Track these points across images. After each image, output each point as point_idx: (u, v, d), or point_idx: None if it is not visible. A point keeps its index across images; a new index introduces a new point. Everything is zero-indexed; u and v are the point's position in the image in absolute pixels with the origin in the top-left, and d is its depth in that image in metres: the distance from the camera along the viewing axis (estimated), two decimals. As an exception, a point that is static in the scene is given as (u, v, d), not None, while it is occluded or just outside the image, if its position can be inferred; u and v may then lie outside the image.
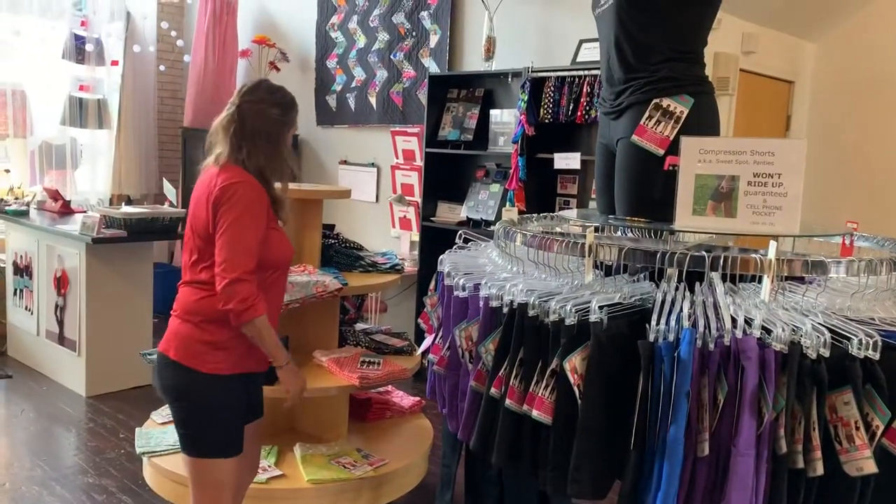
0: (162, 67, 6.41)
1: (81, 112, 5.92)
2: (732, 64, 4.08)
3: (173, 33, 6.34)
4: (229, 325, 1.95)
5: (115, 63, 6.06)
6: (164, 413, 3.22)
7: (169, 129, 6.57)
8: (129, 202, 5.78)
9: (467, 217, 4.66)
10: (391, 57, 5.31)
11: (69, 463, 3.44)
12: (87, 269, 4.19)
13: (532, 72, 4.16)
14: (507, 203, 4.18)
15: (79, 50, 5.86)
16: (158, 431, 3.02)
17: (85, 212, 4.72)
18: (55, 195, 5.07)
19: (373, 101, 5.46)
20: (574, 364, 1.52)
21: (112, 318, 4.31)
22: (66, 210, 4.97)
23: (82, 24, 5.88)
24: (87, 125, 5.99)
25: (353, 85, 5.58)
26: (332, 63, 5.75)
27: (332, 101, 5.75)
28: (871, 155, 4.64)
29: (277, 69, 5.87)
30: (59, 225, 4.47)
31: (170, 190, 4.70)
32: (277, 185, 2.10)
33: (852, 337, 1.43)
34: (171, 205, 4.75)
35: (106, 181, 6.15)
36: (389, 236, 5.30)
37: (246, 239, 1.90)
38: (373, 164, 5.45)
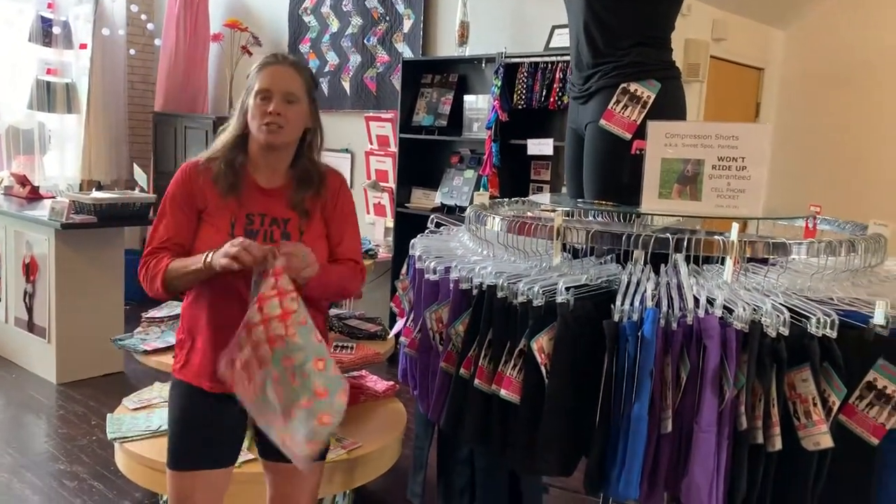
0: (132, 51, 6.32)
1: (49, 96, 5.83)
2: (703, 51, 4.13)
3: (143, 16, 6.25)
4: (183, 323, 1.86)
5: (83, 46, 5.96)
6: (135, 399, 3.21)
7: (139, 113, 6.49)
8: (100, 188, 5.70)
9: (442, 203, 4.67)
10: (365, 41, 5.29)
11: (40, 450, 3.41)
12: (56, 255, 4.14)
13: (505, 57, 4.17)
14: (482, 189, 4.20)
15: (46, 33, 5.76)
16: (130, 417, 3.00)
17: (54, 197, 4.65)
18: (23, 180, 5.00)
19: (346, 86, 5.44)
20: (541, 344, 1.54)
21: (82, 304, 4.27)
22: (35, 196, 4.90)
23: (49, 6, 5.78)
24: (56, 109, 5.89)
25: (327, 70, 5.55)
26: (305, 47, 5.71)
27: (305, 86, 5.71)
28: (839, 141, 4.73)
29: (250, 53, 5.83)
30: (28, 211, 4.41)
31: (140, 175, 4.65)
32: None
33: (811, 316, 1.47)
34: (142, 190, 4.70)
35: (75, 166, 6.07)
36: (364, 222, 5.29)
37: (155, 223, 1.83)
38: (347, 150, 5.43)
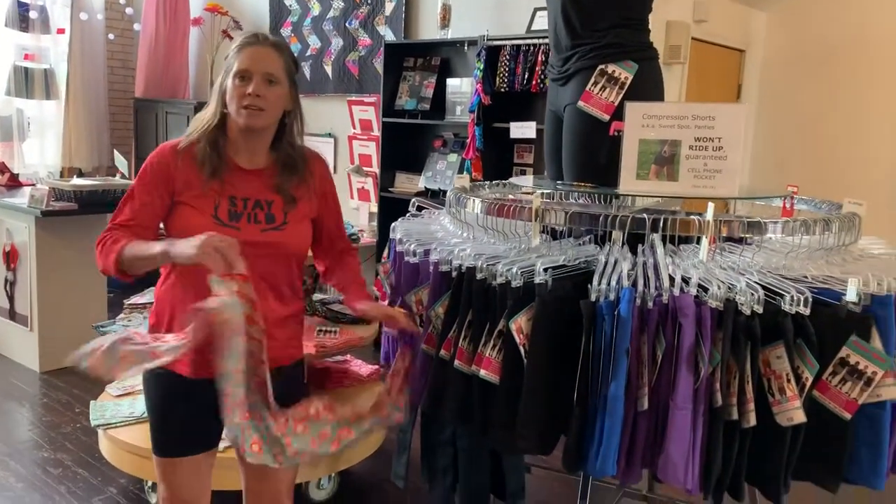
0: (111, 36, 6.24)
1: (27, 82, 5.75)
2: (684, 32, 4.13)
3: (122, 1, 6.17)
4: (156, 307, 1.82)
5: (61, 31, 5.88)
6: (119, 386, 3.20)
7: (120, 99, 6.42)
8: (80, 175, 5.66)
9: (426, 187, 4.67)
10: (346, 25, 5.26)
11: (23, 438, 3.40)
12: (36, 243, 4.10)
13: (488, 40, 4.16)
14: (465, 172, 4.20)
15: (23, 18, 5.68)
16: (113, 404, 3.00)
17: (34, 185, 4.61)
18: (2, 168, 4.94)
19: (328, 70, 5.40)
20: (520, 324, 1.56)
21: (64, 292, 4.24)
22: (14, 183, 4.85)
23: (26, -10, 5.70)
24: (34, 96, 5.82)
25: (309, 53, 5.52)
26: (286, 31, 5.66)
27: (287, 70, 5.67)
28: (820, 122, 4.76)
29: (230, 38, 5.77)
30: (7, 198, 4.36)
31: (121, 162, 4.62)
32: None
33: (785, 294, 1.49)
34: (123, 177, 4.67)
35: (56, 153, 6.01)
36: (348, 207, 5.28)
37: (123, 199, 1.78)
38: (329, 135, 5.41)
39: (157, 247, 1.64)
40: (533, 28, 4.13)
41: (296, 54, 5.81)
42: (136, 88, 6.25)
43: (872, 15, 4.53)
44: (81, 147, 6.03)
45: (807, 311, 1.48)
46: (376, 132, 5.01)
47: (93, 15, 6.00)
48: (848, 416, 1.53)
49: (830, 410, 1.54)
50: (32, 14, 5.71)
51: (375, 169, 5.01)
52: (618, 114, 1.96)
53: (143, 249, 1.66)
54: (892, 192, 4.52)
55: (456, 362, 1.67)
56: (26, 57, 5.75)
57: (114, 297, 4.69)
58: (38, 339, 4.19)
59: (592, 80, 2.00)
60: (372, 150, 5.12)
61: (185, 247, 1.57)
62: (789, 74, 4.86)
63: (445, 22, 4.53)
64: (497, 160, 4.31)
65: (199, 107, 5.49)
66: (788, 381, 1.49)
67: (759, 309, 1.47)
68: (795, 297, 1.48)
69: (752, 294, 1.47)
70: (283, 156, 1.80)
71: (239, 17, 5.82)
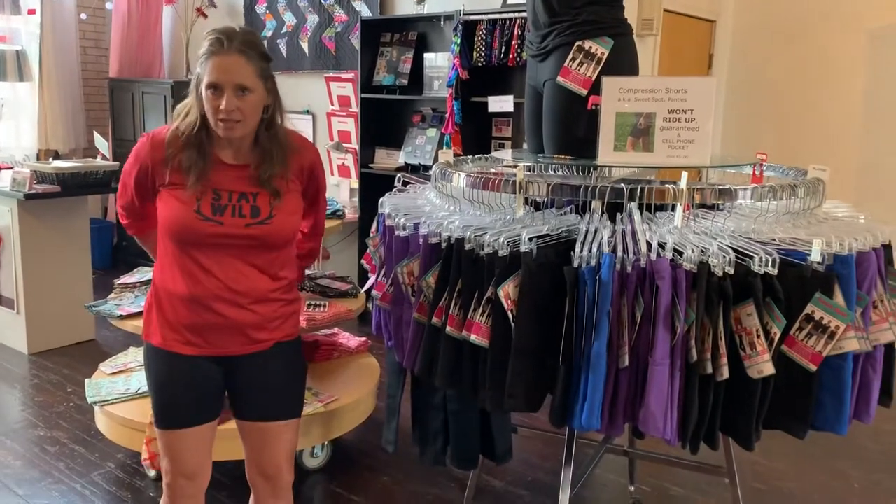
0: (83, 16, 6.18)
1: None
2: (656, 4, 4.21)
3: (93, -21, 6.10)
4: (153, 288, 1.88)
5: (31, 12, 5.80)
6: (112, 364, 3.27)
7: (94, 80, 6.36)
8: (57, 157, 5.63)
9: (405, 162, 4.73)
10: (322, 1, 5.26)
11: (17, 418, 3.46)
12: (20, 226, 4.12)
13: (464, 15, 4.20)
14: (445, 147, 4.27)
15: (-8, -1, 5.60)
16: (108, 381, 3.07)
17: (11, 168, 4.59)
18: (-22, 152, 4.91)
19: (305, 46, 5.41)
20: (507, 291, 1.65)
21: (50, 274, 4.27)
22: (-9, 167, 4.83)
23: (-6, -30, 5.61)
24: (7, 77, 5.74)
25: (284, 30, 5.51)
26: (261, 8, 5.65)
27: (263, 47, 5.66)
28: (788, 91, 4.88)
29: (205, 16, 5.75)
30: (-14, 182, 4.35)
31: (102, 143, 4.61)
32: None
33: (754, 256, 1.60)
34: (104, 158, 4.67)
35: (31, 136, 5.96)
36: (329, 184, 5.31)
37: (124, 179, 1.92)
38: (308, 112, 5.43)
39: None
40: (509, 2, 4.18)
41: (271, 31, 5.81)
42: (111, 68, 6.20)
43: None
44: (57, 129, 5.98)
45: (775, 272, 1.59)
46: (355, 108, 5.04)
47: (63, -6, 5.93)
48: (813, 367, 1.65)
49: (798, 363, 1.66)
50: (2, -5, 5.63)
51: (355, 145, 5.05)
52: (595, 88, 2.04)
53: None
54: (857, 157, 4.67)
55: (447, 329, 1.76)
56: (-3, 38, 5.68)
57: (97, 278, 4.72)
58: (25, 322, 4.23)
59: (570, 56, 2.08)
60: (351, 126, 5.16)
61: None
62: (759, 44, 4.97)
63: (421, -3, 4.56)
64: (476, 134, 4.38)
65: (176, 86, 5.50)
66: (758, 336, 1.60)
67: (731, 270, 1.58)
68: (764, 259, 1.58)
69: (724, 256, 1.57)
70: (266, 150, 1.80)
71: (213, -6, 5.78)
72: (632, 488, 2.88)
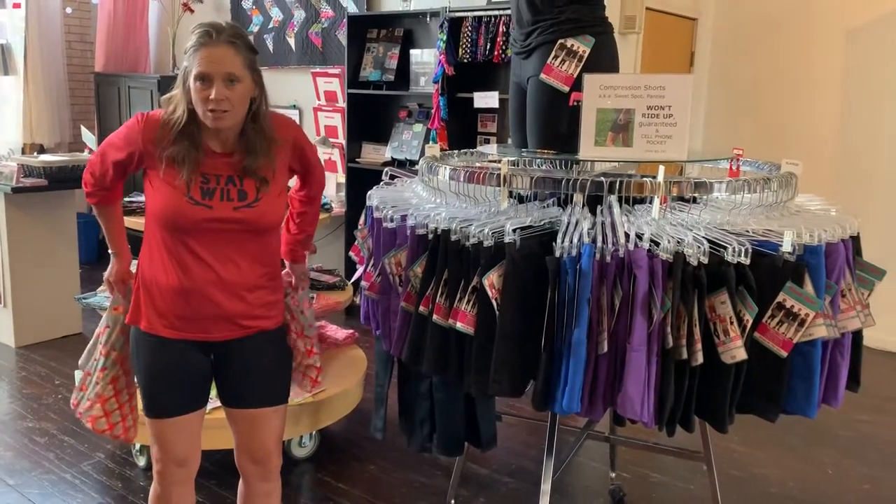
0: (68, 10, 6.17)
1: (-17, 58, 5.68)
2: (639, 3, 4.28)
3: (77, -27, 6.10)
4: (139, 274, 1.91)
5: (16, 6, 5.79)
6: (101, 356, 3.29)
7: (79, 74, 6.36)
8: (43, 151, 5.63)
9: (392, 157, 4.78)
10: (308, -3, 5.29)
11: (5, 410, 3.48)
12: (7, 219, 4.13)
13: (450, 11, 4.26)
14: (432, 142, 4.32)
15: (-24, -8, 5.58)
16: (98, 373, 3.09)
17: (-2, 161, 4.60)
18: (-36, 145, 4.91)
19: (291, 42, 5.44)
20: (492, 280, 1.71)
21: (37, 268, 4.29)
22: (-24, 161, 4.82)
23: (-22, -36, 5.60)
24: (-9, 71, 5.75)
25: (271, 26, 5.54)
26: (247, 3, 5.67)
27: (249, 42, 5.69)
28: (768, 87, 4.97)
29: (191, 11, 5.76)
30: (-28, 176, 4.36)
31: (89, 137, 4.63)
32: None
33: (727, 246, 1.67)
34: (91, 152, 4.68)
35: (16, 130, 5.95)
36: (315, 178, 5.36)
37: (102, 149, 1.93)
38: (294, 107, 5.46)
39: (111, 248, 2.08)
40: (493, 0, 4.24)
41: (258, 27, 5.84)
42: (96, 63, 6.20)
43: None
44: (42, 123, 5.98)
45: (747, 261, 1.66)
46: (341, 103, 5.08)
47: (48, -12, 5.93)
48: (784, 353, 1.72)
49: (770, 350, 1.73)
50: (-14, -12, 5.62)
51: (342, 140, 5.10)
52: (577, 85, 2.10)
53: (106, 231, 2.08)
54: (834, 151, 4.77)
55: (434, 317, 1.82)
56: (-19, 32, 5.67)
57: (83, 272, 4.74)
58: (12, 315, 4.24)
59: (553, 53, 2.14)
60: (337, 121, 5.20)
61: (108, 274, 2.05)
62: (740, 41, 5.05)
63: (407, -7, 4.61)
64: (461, 129, 4.43)
65: (163, 81, 5.51)
66: (731, 323, 1.67)
67: (705, 260, 1.65)
68: (737, 249, 1.65)
69: (698, 247, 1.64)
70: (251, 142, 1.83)
71: (199, -11, 5.80)
72: (612, 475, 2.96)
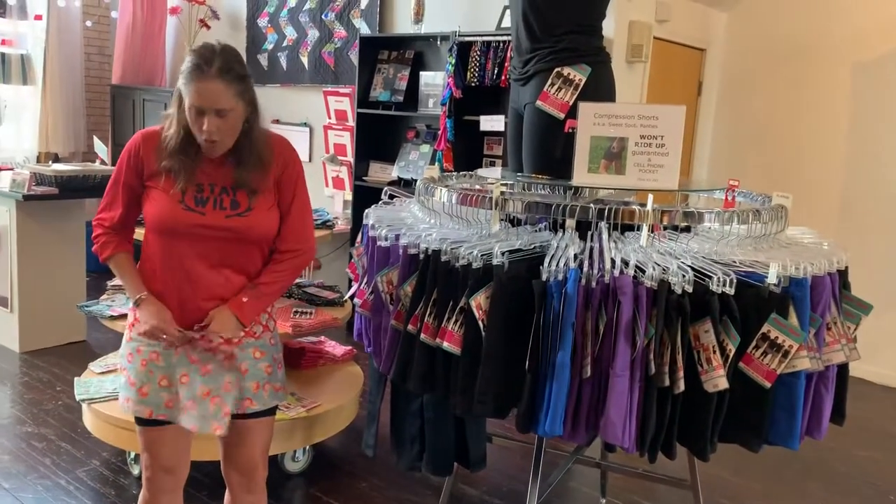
0: (88, 23, 6.30)
1: (4, 68, 5.80)
2: (646, 32, 4.33)
3: (99, -12, 6.23)
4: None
5: (38, 17, 5.92)
6: (102, 363, 3.34)
7: (96, 86, 6.48)
8: (57, 160, 5.73)
9: (398, 177, 4.83)
10: (322, 17, 5.38)
11: (6, 414, 3.52)
12: (17, 226, 4.20)
13: (459, 36, 4.32)
14: (437, 163, 4.37)
15: (0, 3, 5.72)
16: (97, 380, 3.13)
17: (11, 169, 4.68)
18: (-21, 152, 5.00)
19: (304, 60, 5.53)
20: (479, 301, 1.74)
21: (45, 274, 4.35)
22: (-8, 168, 4.91)
23: (3, -24, 5.74)
24: (11, 81, 5.87)
25: (285, 44, 5.63)
26: (263, 22, 5.77)
27: (263, 60, 5.79)
28: (775, 120, 5.00)
29: (208, 27, 5.86)
30: (-14, 183, 4.44)
31: (101, 148, 4.71)
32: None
33: (712, 276, 1.69)
34: (103, 162, 4.76)
35: (32, 139, 6.06)
36: (323, 195, 5.43)
37: (110, 187, 1.98)
38: (305, 124, 5.54)
39: (130, 291, 1.94)
40: (502, 25, 4.30)
41: (272, 45, 5.92)
42: (113, 75, 6.31)
43: (830, 14, 4.76)
44: (58, 132, 6.08)
45: (731, 291, 1.68)
46: (351, 122, 5.15)
47: (70, 2, 6.05)
48: (768, 384, 1.74)
49: (753, 380, 1.75)
50: (10, 0, 5.75)
51: (350, 158, 5.16)
52: (572, 112, 2.14)
53: (122, 278, 1.97)
54: (840, 184, 4.78)
55: (422, 336, 1.85)
56: (3, 42, 5.79)
57: (90, 280, 4.79)
58: (18, 320, 4.30)
59: (549, 81, 2.18)
60: (346, 139, 5.26)
61: (143, 318, 1.89)
62: (749, 72, 5.09)
63: (419, 17, 4.68)
64: (467, 151, 4.48)
65: (177, 95, 5.59)
66: (714, 352, 1.69)
67: (689, 288, 1.67)
68: (722, 279, 1.68)
69: (683, 275, 1.66)
70: (244, 154, 1.89)
71: (216, 6, 5.91)
72: (603, 501, 2.95)
